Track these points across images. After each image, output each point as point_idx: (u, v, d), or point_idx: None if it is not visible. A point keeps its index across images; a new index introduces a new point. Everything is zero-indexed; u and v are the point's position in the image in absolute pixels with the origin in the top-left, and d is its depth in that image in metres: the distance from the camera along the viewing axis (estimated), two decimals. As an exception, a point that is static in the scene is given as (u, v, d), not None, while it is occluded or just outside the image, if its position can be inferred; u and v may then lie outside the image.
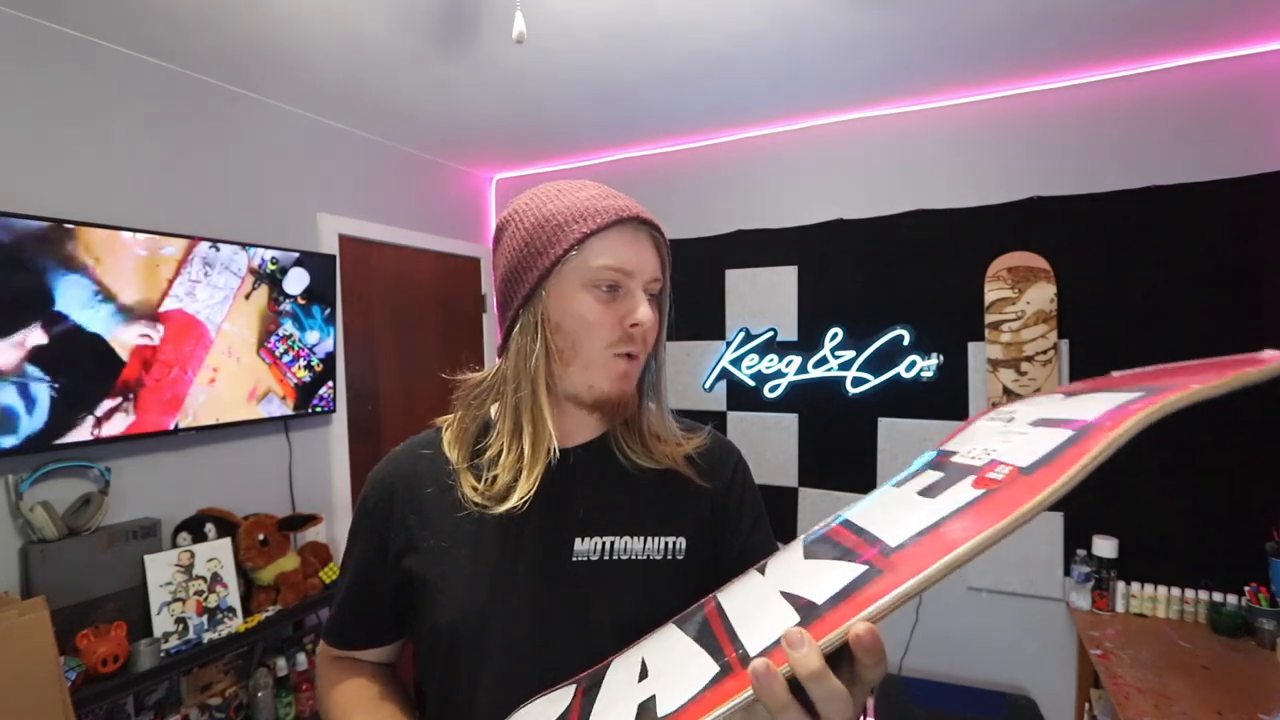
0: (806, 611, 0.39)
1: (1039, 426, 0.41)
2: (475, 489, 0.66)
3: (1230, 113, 1.98)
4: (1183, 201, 2.02)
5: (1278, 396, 1.91)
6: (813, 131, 2.59)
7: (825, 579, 0.41)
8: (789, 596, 0.42)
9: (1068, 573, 2.16)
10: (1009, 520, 0.34)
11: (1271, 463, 1.92)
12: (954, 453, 0.46)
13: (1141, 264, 2.08)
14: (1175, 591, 1.99)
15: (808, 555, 0.45)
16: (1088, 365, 2.14)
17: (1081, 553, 2.11)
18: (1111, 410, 0.38)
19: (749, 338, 2.68)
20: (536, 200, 0.68)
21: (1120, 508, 2.09)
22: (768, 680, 0.36)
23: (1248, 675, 1.66)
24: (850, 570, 0.39)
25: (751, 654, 0.39)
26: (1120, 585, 2.04)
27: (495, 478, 0.65)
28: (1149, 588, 2.02)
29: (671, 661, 0.46)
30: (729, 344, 2.72)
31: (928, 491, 0.42)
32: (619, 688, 0.49)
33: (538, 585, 0.64)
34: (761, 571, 0.50)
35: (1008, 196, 2.26)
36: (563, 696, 0.53)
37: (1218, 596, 1.93)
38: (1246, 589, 1.87)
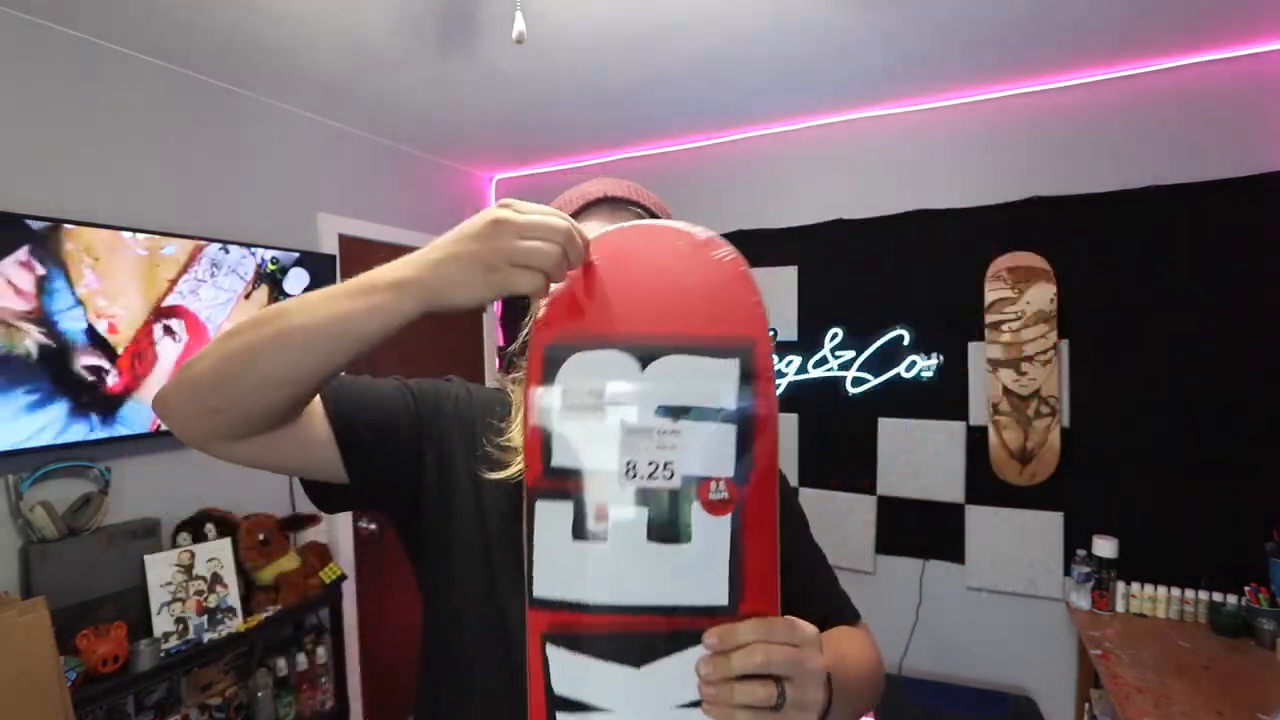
0: None
1: (680, 419, 0.46)
2: (502, 454, 0.65)
3: (1230, 113, 1.98)
4: (1183, 201, 2.02)
5: (1278, 397, 1.91)
6: (813, 131, 2.59)
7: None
8: (696, 703, 0.46)
9: (1068, 573, 2.16)
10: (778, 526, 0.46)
11: (1271, 463, 1.92)
12: (610, 473, 0.46)
13: (1141, 264, 2.07)
14: (1175, 591, 1.99)
15: (640, 665, 0.46)
16: (1088, 365, 2.14)
17: (1081, 553, 2.11)
18: (746, 391, 0.46)
19: (749, 338, 2.68)
20: None
21: (1120, 508, 2.09)
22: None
23: (1248, 675, 1.66)
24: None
25: None
26: (1120, 585, 2.04)
27: (506, 449, 0.65)
28: (1149, 588, 2.02)
29: None
30: (729, 344, 2.71)
31: (663, 536, 0.46)
32: None
33: None
34: (598, 710, 0.47)
35: (1008, 196, 2.26)
36: None
37: (1218, 596, 1.93)
38: (1246, 589, 1.86)
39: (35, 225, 1.54)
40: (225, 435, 0.53)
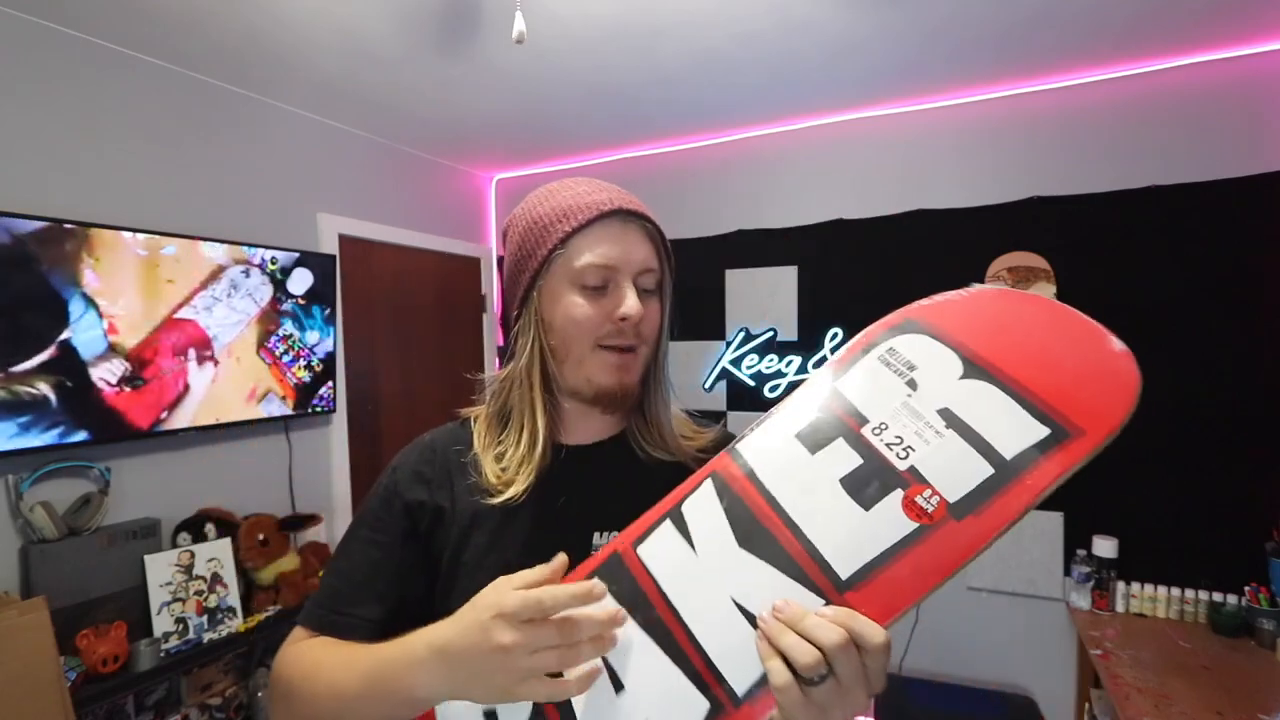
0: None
1: (951, 430, 0.45)
2: (495, 477, 0.67)
3: (1230, 113, 1.98)
4: (1183, 201, 2.02)
5: (1278, 397, 1.91)
6: (813, 131, 2.59)
7: (772, 596, 0.45)
8: (747, 615, 0.46)
9: (1068, 573, 2.16)
10: (949, 579, 0.41)
11: (1271, 463, 1.92)
12: (864, 419, 0.49)
13: (1141, 264, 2.07)
14: (1175, 591, 1.99)
15: (742, 543, 0.48)
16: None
17: (1081, 553, 2.11)
18: (1031, 460, 0.43)
19: (749, 338, 2.68)
20: (531, 202, 0.70)
21: (1120, 508, 2.09)
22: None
23: (1248, 675, 1.66)
24: (807, 601, 0.44)
25: (740, 695, 0.45)
26: (1120, 585, 2.04)
27: (505, 469, 0.67)
28: (1149, 588, 2.02)
29: (649, 681, 0.48)
30: (729, 344, 2.72)
31: (853, 489, 0.46)
32: (597, 703, 0.49)
33: None
34: (690, 544, 0.51)
35: (1007, 196, 2.26)
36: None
37: (1218, 596, 1.93)
38: (1246, 589, 1.87)
39: (36, 225, 1.54)
40: None
